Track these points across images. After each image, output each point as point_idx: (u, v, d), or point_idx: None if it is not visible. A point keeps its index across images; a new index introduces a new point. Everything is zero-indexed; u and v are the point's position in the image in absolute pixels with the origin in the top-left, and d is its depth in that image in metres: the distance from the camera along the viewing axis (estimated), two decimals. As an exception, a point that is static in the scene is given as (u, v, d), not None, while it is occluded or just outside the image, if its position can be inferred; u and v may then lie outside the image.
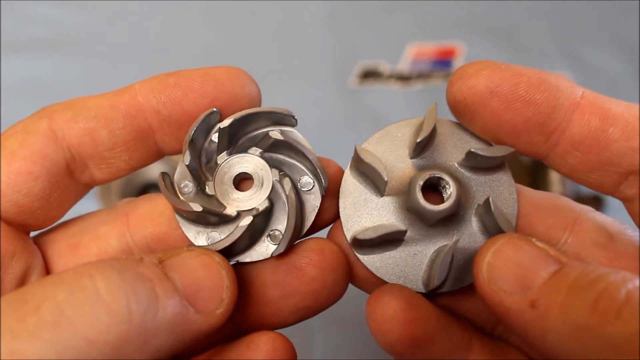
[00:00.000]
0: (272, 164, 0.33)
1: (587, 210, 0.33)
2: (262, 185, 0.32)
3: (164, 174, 0.31)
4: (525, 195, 0.33)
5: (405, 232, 0.31)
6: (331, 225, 0.35)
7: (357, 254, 0.33)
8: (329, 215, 0.34)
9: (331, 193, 0.34)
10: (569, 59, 0.85)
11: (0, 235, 0.30)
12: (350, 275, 0.34)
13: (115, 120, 0.32)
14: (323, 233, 0.35)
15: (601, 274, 0.24)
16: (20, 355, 0.21)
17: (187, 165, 0.31)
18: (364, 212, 0.33)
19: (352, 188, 0.33)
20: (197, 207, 0.30)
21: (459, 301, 0.34)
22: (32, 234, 0.34)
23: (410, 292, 0.32)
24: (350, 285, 0.34)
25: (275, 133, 0.32)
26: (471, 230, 0.32)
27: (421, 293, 0.32)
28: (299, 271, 0.32)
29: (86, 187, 0.34)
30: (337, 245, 0.33)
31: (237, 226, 0.30)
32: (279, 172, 0.32)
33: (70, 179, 0.32)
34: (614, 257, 0.31)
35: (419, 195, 0.31)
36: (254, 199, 0.32)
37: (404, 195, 0.32)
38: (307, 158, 0.32)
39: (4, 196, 0.30)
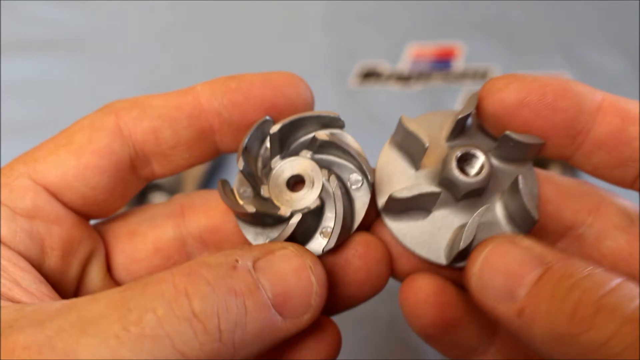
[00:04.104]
0: (323, 164, 0.34)
1: (611, 194, 0.35)
2: (313, 185, 0.33)
3: (223, 181, 0.33)
4: (555, 182, 0.35)
5: (438, 194, 0.32)
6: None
7: (386, 220, 0.34)
8: (374, 211, 0.35)
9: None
10: (569, 59, 0.85)
11: (67, 223, 0.33)
12: (392, 269, 0.35)
13: (179, 121, 0.33)
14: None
15: (578, 279, 0.25)
16: None
17: (241, 171, 0.32)
18: (398, 183, 0.34)
19: (388, 161, 0.35)
20: (251, 209, 0.31)
21: None
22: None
23: (441, 279, 0.34)
24: None
25: (320, 134, 0.33)
26: (495, 218, 0.33)
27: (441, 265, 0.33)
28: (345, 262, 0.33)
29: (145, 181, 0.36)
30: (381, 239, 0.34)
31: (288, 224, 0.31)
32: (328, 172, 0.33)
33: (132, 174, 0.34)
34: (633, 239, 0.33)
35: (454, 165, 0.32)
36: (305, 199, 0.33)
37: (438, 170, 0.34)
38: (353, 156, 0.33)
39: (72, 188, 0.32)
